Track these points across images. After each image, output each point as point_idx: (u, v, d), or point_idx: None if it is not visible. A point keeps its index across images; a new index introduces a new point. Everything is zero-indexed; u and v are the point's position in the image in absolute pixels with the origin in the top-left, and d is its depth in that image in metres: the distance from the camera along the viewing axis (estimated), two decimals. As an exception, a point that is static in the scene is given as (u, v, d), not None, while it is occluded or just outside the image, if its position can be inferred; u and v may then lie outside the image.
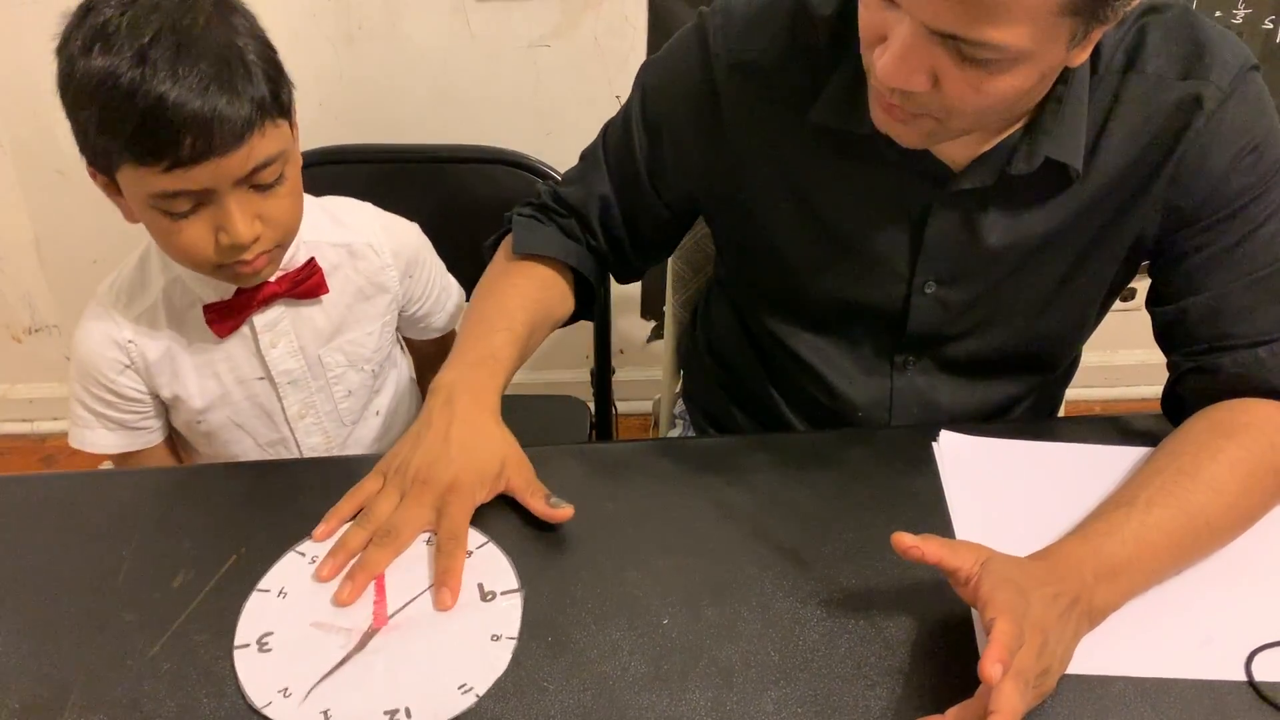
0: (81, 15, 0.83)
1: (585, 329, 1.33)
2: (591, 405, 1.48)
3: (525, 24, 1.64)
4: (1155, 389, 0.95)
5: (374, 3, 1.59)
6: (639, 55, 1.68)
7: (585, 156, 1.05)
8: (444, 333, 1.20)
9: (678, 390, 1.33)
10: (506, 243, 1.04)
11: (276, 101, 0.88)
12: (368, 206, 1.10)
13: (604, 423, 1.46)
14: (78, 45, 0.82)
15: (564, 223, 1.03)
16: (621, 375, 1.69)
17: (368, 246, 1.06)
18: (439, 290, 1.16)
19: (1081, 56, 0.76)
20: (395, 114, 1.49)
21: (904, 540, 0.71)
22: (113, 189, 0.90)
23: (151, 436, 1.05)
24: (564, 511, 0.83)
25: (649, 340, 2.06)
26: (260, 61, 0.86)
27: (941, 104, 0.75)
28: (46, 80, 1.66)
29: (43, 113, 1.70)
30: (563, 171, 1.18)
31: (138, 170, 0.83)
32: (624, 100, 1.74)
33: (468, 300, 1.07)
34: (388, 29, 1.61)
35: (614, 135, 1.01)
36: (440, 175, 1.32)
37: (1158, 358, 0.94)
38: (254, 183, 0.88)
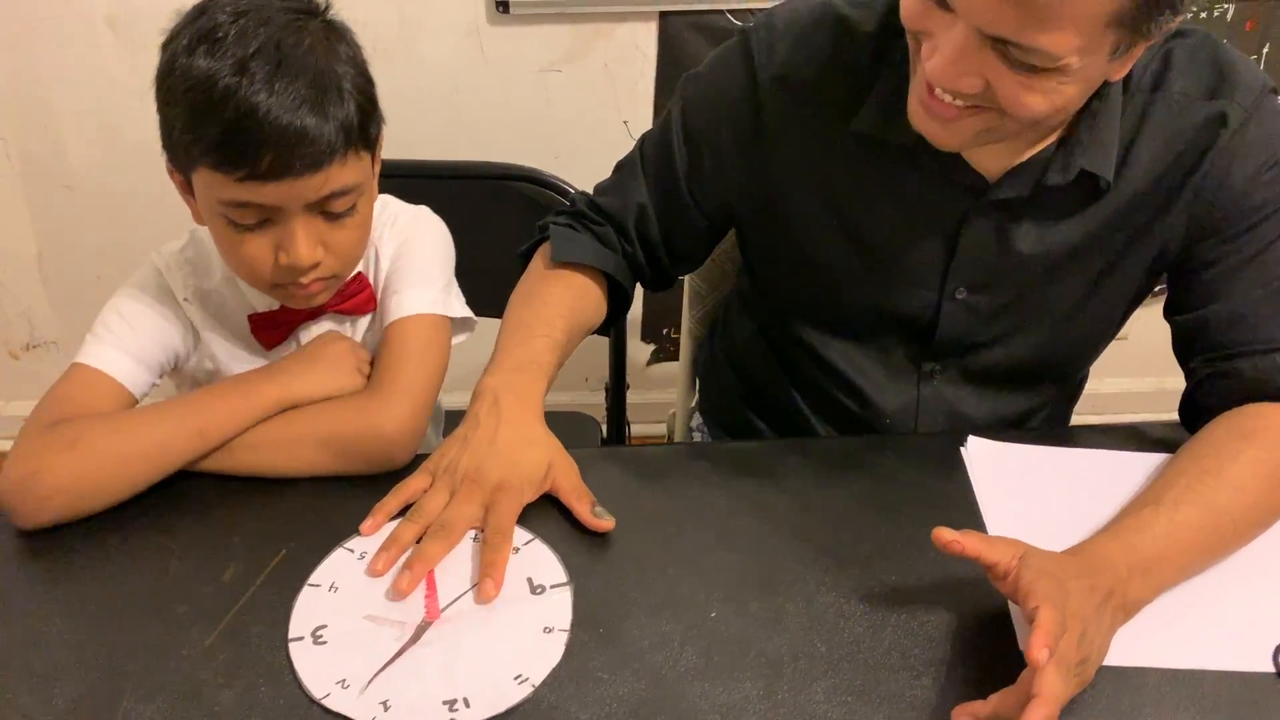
0: (194, 16, 0.84)
1: (591, 349, 1.34)
2: (603, 425, 1.49)
3: (538, 48, 1.67)
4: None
5: (390, 24, 1.62)
6: (648, 82, 1.72)
7: (622, 167, 1.07)
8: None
9: (693, 405, 1.35)
10: (543, 250, 1.06)
11: (363, 133, 0.87)
12: (391, 204, 1.06)
13: (619, 441, 1.46)
14: (184, 43, 0.82)
15: (600, 231, 1.05)
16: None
17: (380, 251, 1.03)
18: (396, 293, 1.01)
19: (1122, 71, 0.80)
20: (408, 133, 1.49)
21: (944, 535, 0.74)
22: (186, 189, 0.90)
23: (138, 385, 0.95)
24: (606, 523, 0.85)
25: (649, 363, 2.09)
26: (355, 91, 0.86)
27: (995, 105, 0.78)
28: (57, 95, 1.68)
29: (53, 127, 1.71)
30: (575, 189, 1.22)
31: (214, 175, 0.83)
32: (632, 125, 1.78)
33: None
34: (403, 50, 1.64)
35: (652, 146, 1.04)
36: (457, 191, 1.33)
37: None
38: (325, 209, 0.88)
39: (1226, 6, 1.67)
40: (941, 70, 0.77)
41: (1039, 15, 0.71)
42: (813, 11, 0.94)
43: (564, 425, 1.48)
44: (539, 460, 0.87)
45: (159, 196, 1.73)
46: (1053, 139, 0.89)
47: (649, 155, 1.04)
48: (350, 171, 0.87)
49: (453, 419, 1.27)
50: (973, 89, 0.77)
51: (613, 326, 1.14)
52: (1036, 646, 0.66)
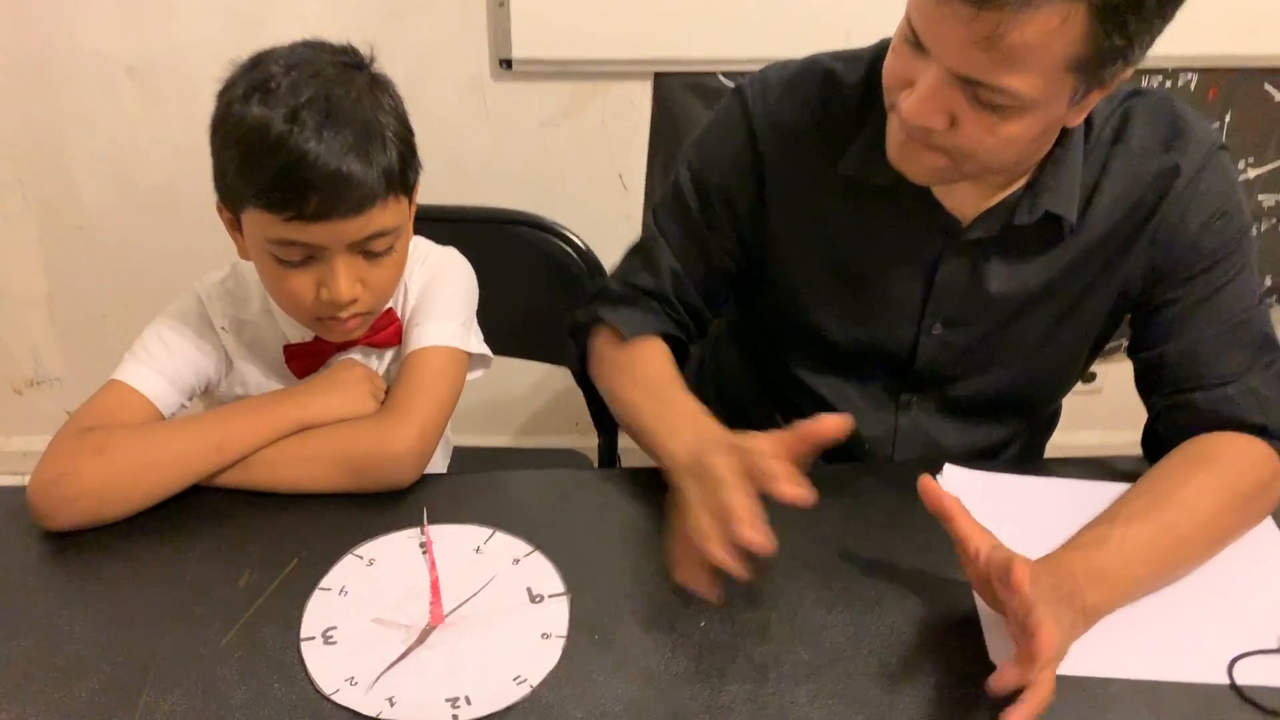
0: (250, 67, 0.91)
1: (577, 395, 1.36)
2: (595, 463, 1.53)
3: (538, 104, 1.75)
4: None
5: (399, 78, 1.69)
6: (642, 137, 1.80)
7: (641, 246, 1.11)
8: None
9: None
10: (607, 337, 1.07)
11: (403, 179, 0.93)
12: (422, 244, 1.13)
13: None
14: (239, 91, 0.89)
15: (646, 304, 1.08)
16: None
17: (409, 287, 1.10)
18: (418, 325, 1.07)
19: (1078, 117, 0.88)
20: None
21: (929, 486, 0.80)
22: (234, 226, 0.96)
23: (169, 405, 1.00)
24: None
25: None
26: (396, 140, 0.92)
27: (956, 144, 0.85)
28: (74, 140, 1.75)
29: (68, 170, 1.77)
30: (572, 234, 1.32)
31: (263, 215, 0.89)
32: (627, 179, 1.86)
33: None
34: (411, 103, 1.69)
35: (667, 212, 1.09)
36: (462, 234, 1.38)
37: (1117, 439, 1.04)
38: (365, 249, 0.93)
39: (1190, 76, 1.76)
40: (915, 107, 0.84)
41: (1005, 58, 0.78)
42: (801, 65, 1.02)
43: (557, 464, 1.55)
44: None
45: (168, 239, 1.81)
46: (1020, 183, 0.96)
47: (667, 225, 1.08)
48: (390, 214, 0.92)
49: (462, 454, 1.32)
50: (940, 125, 0.84)
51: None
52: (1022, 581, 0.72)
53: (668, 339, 1.08)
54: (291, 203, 0.87)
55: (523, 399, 2.07)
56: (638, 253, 1.11)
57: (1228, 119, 1.81)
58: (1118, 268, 0.99)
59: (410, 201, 0.98)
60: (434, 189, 1.63)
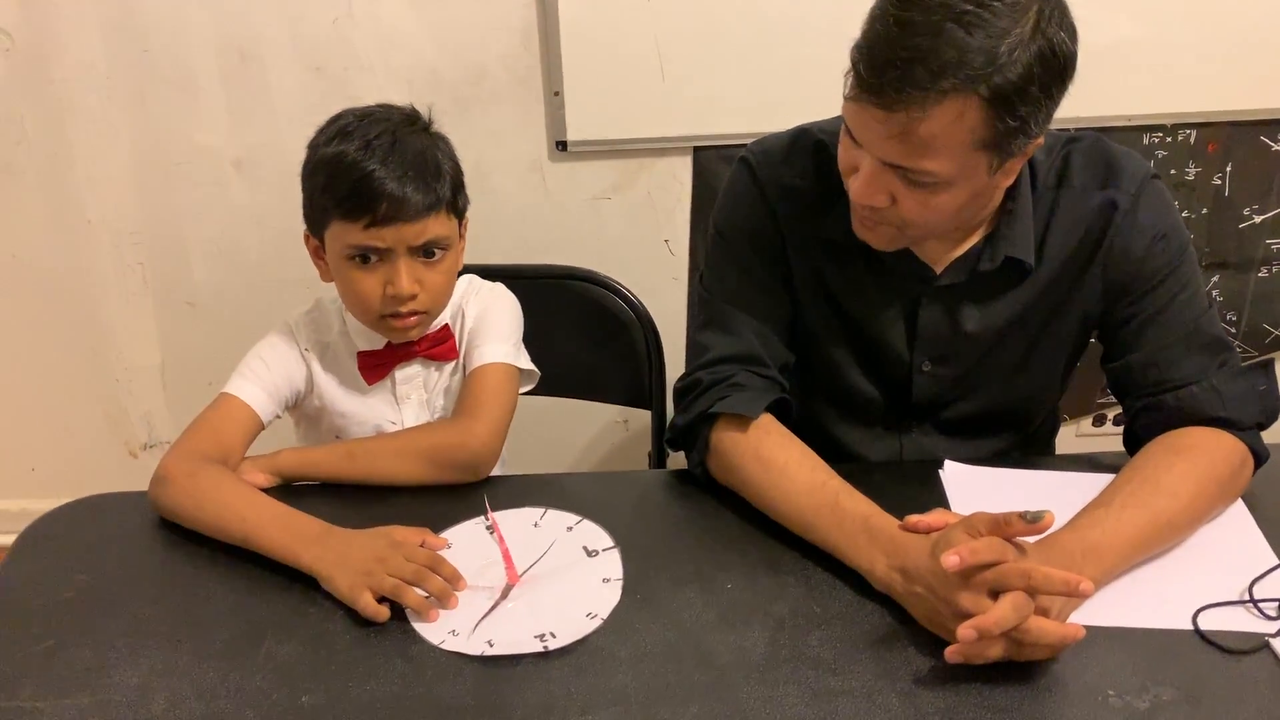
0: (333, 120, 1.17)
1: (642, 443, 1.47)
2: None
3: (591, 180, 1.95)
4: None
5: (469, 161, 1.90)
6: (684, 207, 1.98)
7: (712, 319, 1.17)
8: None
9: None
10: (723, 431, 1.10)
11: (453, 202, 1.17)
12: (475, 280, 1.34)
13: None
14: (324, 137, 1.15)
15: (744, 379, 1.13)
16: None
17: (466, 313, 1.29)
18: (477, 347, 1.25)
19: (1007, 180, 1.03)
20: (483, 248, 1.73)
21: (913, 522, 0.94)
22: (318, 254, 1.19)
23: (267, 414, 1.20)
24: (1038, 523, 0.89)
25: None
26: (449, 172, 1.16)
27: (900, 216, 1.01)
28: (188, 226, 1.99)
29: (182, 253, 2.01)
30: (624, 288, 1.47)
31: (343, 225, 1.12)
32: (672, 244, 2.03)
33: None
34: (479, 183, 1.89)
35: (720, 282, 1.17)
36: (527, 289, 1.54)
37: None
38: (422, 253, 1.15)
39: (1189, 132, 1.90)
40: (860, 190, 1.00)
41: (919, 148, 0.93)
42: (793, 135, 1.17)
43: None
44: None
45: (268, 313, 2.01)
46: (980, 235, 1.11)
47: (726, 293, 1.17)
48: (442, 226, 1.15)
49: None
50: (882, 204, 1.00)
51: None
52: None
53: (778, 405, 1.12)
54: (365, 210, 1.10)
55: (584, 444, 2.24)
56: (709, 328, 1.17)
57: (1229, 170, 1.93)
58: (1076, 295, 1.13)
59: (460, 224, 1.20)
60: (500, 257, 1.83)
